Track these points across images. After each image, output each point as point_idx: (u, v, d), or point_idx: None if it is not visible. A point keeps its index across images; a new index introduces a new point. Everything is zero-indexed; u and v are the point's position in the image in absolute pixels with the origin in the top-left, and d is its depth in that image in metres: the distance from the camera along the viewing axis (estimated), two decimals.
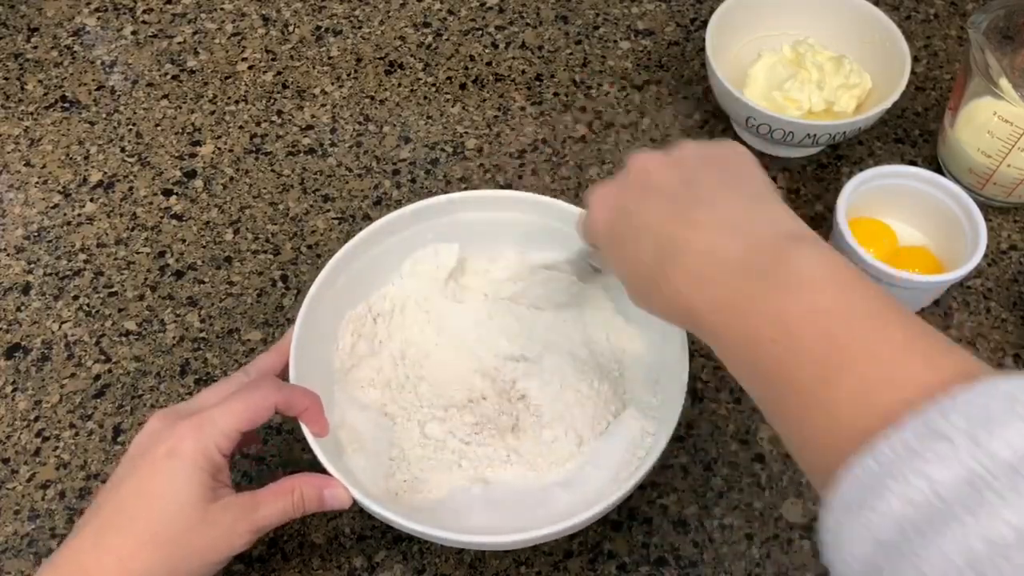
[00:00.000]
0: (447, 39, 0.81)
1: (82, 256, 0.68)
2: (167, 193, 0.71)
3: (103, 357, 0.63)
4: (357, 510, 0.50)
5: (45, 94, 0.77)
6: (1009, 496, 0.27)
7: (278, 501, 0.48)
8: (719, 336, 0.39)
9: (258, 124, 0.75)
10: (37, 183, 0.72)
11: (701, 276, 0.39)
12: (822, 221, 0.70)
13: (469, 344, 0.59)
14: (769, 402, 0.37)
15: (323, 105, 0.76)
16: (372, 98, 0.77)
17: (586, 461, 0.53)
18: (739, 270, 0.38)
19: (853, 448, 0.31)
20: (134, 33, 0.81)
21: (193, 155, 0.73)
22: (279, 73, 0.79)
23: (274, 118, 0.76)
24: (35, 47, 0.80)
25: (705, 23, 0.72)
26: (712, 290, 0.38)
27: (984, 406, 0.29)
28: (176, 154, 0.73)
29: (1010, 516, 0.26)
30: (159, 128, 0.75)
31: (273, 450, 0.59)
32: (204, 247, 0.68)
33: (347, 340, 0.57)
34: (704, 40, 0.70)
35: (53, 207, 0.70)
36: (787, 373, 0.35)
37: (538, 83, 0.78)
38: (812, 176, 0.73)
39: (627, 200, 0.44)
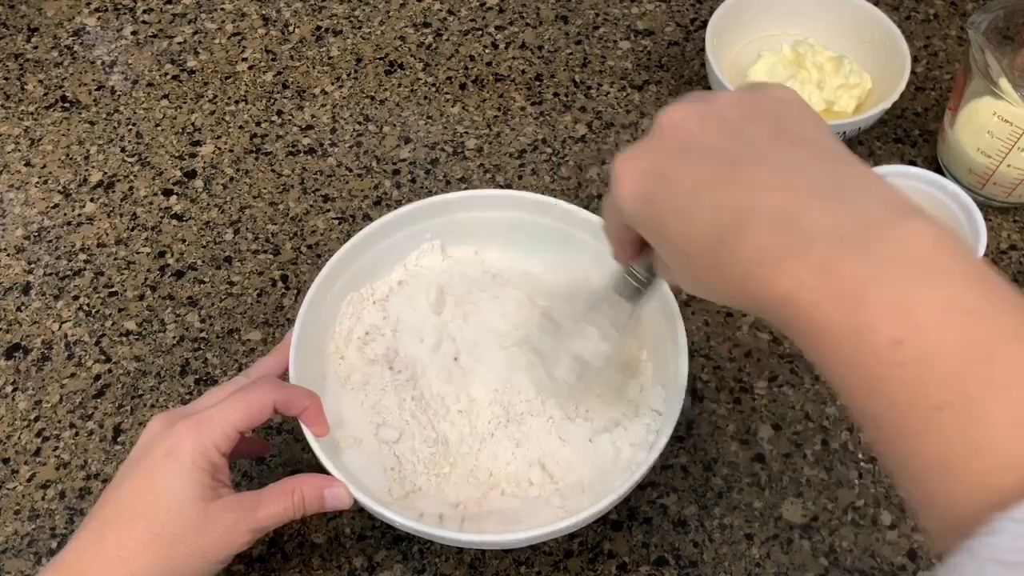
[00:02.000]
0: (447, 39, 0.81)
1: (82, 256, 0.68)
2: (167, 193, 0.71)
3: (103, 357, 0.63)
4: (357, 510, 0.50)
5: (45, 94, 0.77)
6: None
7: (279, 501, 0.48)
8: (811, 328, 0.30)
9: (258, 124, 0.75)
10: (37, 183, 0.72)
11: (782, 249, 0.31)
12: None
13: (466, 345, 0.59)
14: (882, 419, 0.30)
15: (323, 105, 0.76)
16: (372, 98, 0.77)
17: (584, 462, 0.53)
18: (835, 241, 0.30)
19: (1004, 486, 0.26)
20: (134, 33, 0.81)
21: (193, 155, 0.73)
22: (279, 73, 0.79)
23: (274, 118, 0.76)
24: (35, 47, 0.80)
25: (705, 23, 0.72)
26: (799, 267, 0.30)
27: None
28: (176, 154, 0.73)
29: None
30: (159, 128, 0.75)
31: (273, 450, 0.59)
32: (204, 247, 0.68)
33: (345, 324, 0.58)
34: (704, 40, 0.70)
35: (53, 207, 0.70)
36: (915, 387, 0.28)
37: (538, 83, 0.78)
38: None
39: (663, 164, 0.36)
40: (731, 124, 0.35)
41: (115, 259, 0.68)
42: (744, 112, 0.36)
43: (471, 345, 0.58)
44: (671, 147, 0.36)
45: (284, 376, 0.52)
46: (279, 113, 0.76)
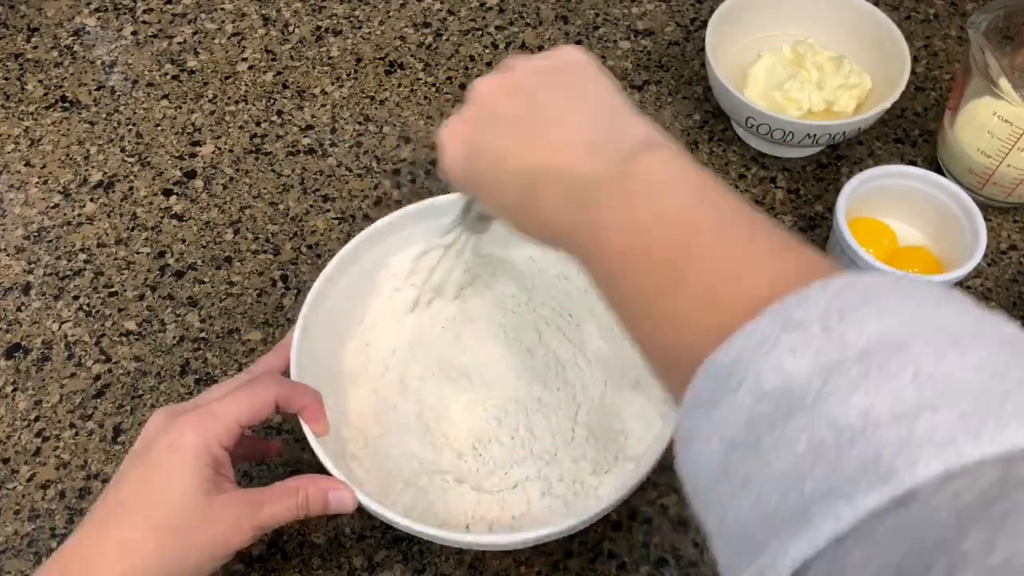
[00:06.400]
0: (447, 39, 0.81)
1: (82, 256, 0.68)
2: (167, 193, 0.71)
3: (103, 357, 0.63)
4: (357, 510, 0.50)
5: (45, 94, 0.77)
6: (858, 381, 0.25)
7: (283, 501, 0.47)
8: (585, 256, 0.38)
9: (258, 124, 0.75)
10: (37, 183, 0.72)
11: (565, 200, 0.38)
12: (822, 221, 0.70)
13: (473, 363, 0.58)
14: (626, 318, 0.36)
15: (323, 105, 0.76)
16: (372, 98, 0.77)
17: (585, 463, 0.53)
18: (594, 187, 0.37)
19: (704, 346, 0.29)
20: (134, 33, 0.81)
21: (193, 155, 0.73)
22: (279, 73, 0.79)
23: (274, 118, 0.76)
24: (35, 47, 0.80)
25: (705, 23, 0.72)
26: (574, 211, 0.38)
27: (841, 297, 0.27)
28: (176, 154, 0.73)
29: (858, 400, 0.25)
30: (159, 128, 0.75)
31: None
32: (204, 247, 0.68)
33: (346, 323, 0.58)
34: (704, 40, 0.70)
35: (53, 207, 0.70)
36: (637, 281, 0.34)
37: None
38: (812, 176, 0.73)
39: (477, 134, 0.43)
40: (529, 92, 0.42)
41: (115, 259, 0.68)
42: (542, 79, 0.43)
43: (472, 345, 0.58)
44: (482, 117, 0.43)
45: (285, 374, 0.52)
46: (279, 113, 0.76)
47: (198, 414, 0.46)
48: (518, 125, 0.41)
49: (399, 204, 0.68)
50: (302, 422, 0.50)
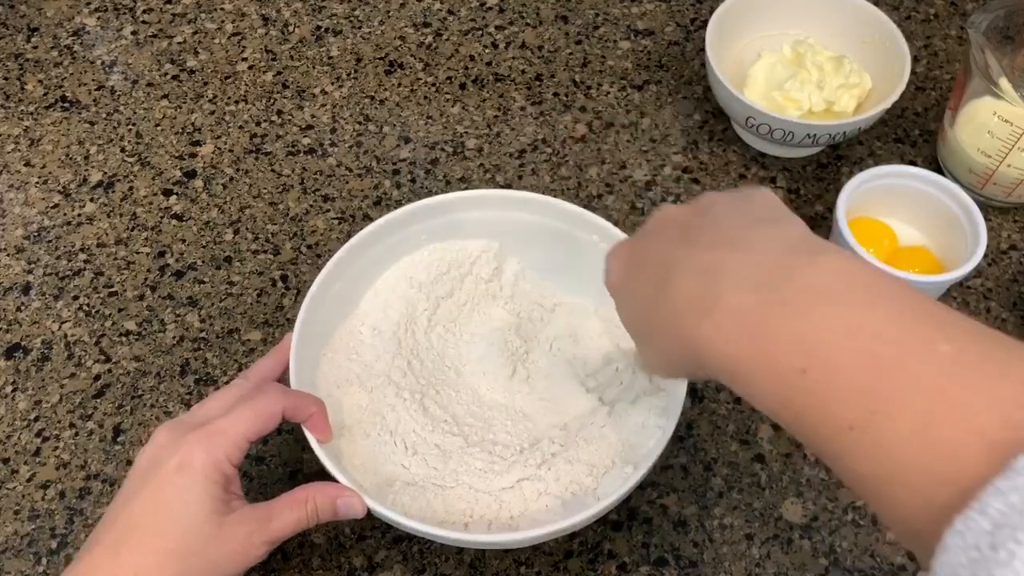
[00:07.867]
0: (447, 39, 0.81)
1: (82, 256, 0.68)
2: (167, 193, 0.71)
3: (103, 357, 0.63)
4: None
5: (45, 94, 0.77)
6: None
7: (292, 511, 0.47)
8: (732, 369, 0.33)
9: (258, 124, 0.75)
10: (37, 183, 0.72)
11: (702, 300, 0.34)
12: (822, 221, 0.70)
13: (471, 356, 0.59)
14: (810, 444, 0.32)
15: (323, 105, 0.76)
16: (372, 98, 0.77)
17: (585, 462, 0.53)
18: (747, 288, 0.33)
19: (941, 506, 0.27)
20: (134, 33, 0.81)
21: (193, 155, 0.73)
22: (279, 73, 0.79)
23: (274, 118, 0.76)
24: (35, 47, 0.80)
25: (705, 23, 0.72)
26: (716, 315, 0.33)
27: None
28: (176, 154, 0.73)
29: None
30: (159, 128, 0.75)
31: (273, 451, 0.59)
32: (204, 247, 0.68)
33: (345, 325, 0.58)
34: (704, 40, 0.70)
35: (53, 207, 0.70)
36: (826, 409, 0.30)
37: (538, 83, 0.78)
38: (812, 176, 0.73)
39: (639, 243, 0.41)
40: (706, 207, 0.39)
41: (115, 259, 0.68)
42: (718, 198, 0.40)
43: (469, 345, 0.58)
44: (650, 231, 0.41)
45: (283, 377, 0.52)
46: (279, 113, 0.76)
47: (206, 432, 0.46)
48: (679, 229, 0.38)
49: (399, 204, 0.68)
50: (305, 430, 0.50)
